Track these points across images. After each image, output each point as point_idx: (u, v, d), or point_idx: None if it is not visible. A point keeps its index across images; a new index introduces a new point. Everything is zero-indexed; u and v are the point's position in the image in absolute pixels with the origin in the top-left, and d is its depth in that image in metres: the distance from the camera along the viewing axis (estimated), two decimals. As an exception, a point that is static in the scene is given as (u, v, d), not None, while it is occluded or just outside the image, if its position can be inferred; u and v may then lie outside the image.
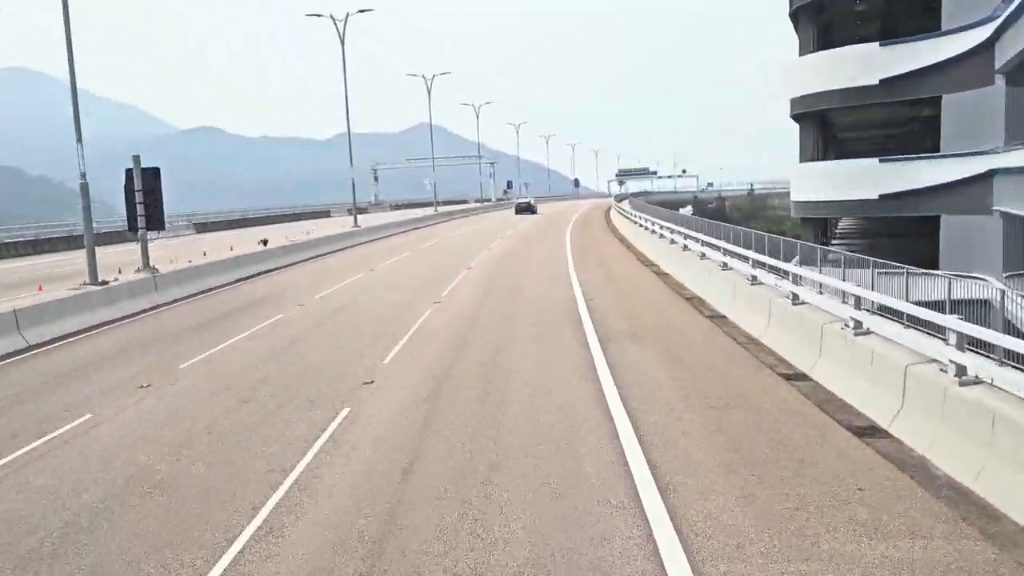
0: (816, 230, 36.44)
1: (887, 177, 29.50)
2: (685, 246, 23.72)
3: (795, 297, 13.36)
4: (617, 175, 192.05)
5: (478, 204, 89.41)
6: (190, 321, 18.10)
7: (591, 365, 12.46)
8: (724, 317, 16.47)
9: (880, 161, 31.21)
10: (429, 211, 66.88)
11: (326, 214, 70.63)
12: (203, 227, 54.01)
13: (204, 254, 27.91)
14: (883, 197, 28.98)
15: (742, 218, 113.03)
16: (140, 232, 20.96)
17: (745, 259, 16.80)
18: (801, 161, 35.71)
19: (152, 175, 20.90)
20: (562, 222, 53.88)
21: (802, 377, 11.62)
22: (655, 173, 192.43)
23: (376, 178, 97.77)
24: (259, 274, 26.83)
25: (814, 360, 11.72)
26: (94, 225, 19.96)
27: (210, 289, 23.22)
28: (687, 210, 73.05)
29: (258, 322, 17.47)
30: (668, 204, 67.68)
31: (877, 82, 29.13)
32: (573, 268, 25.98)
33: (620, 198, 71.53)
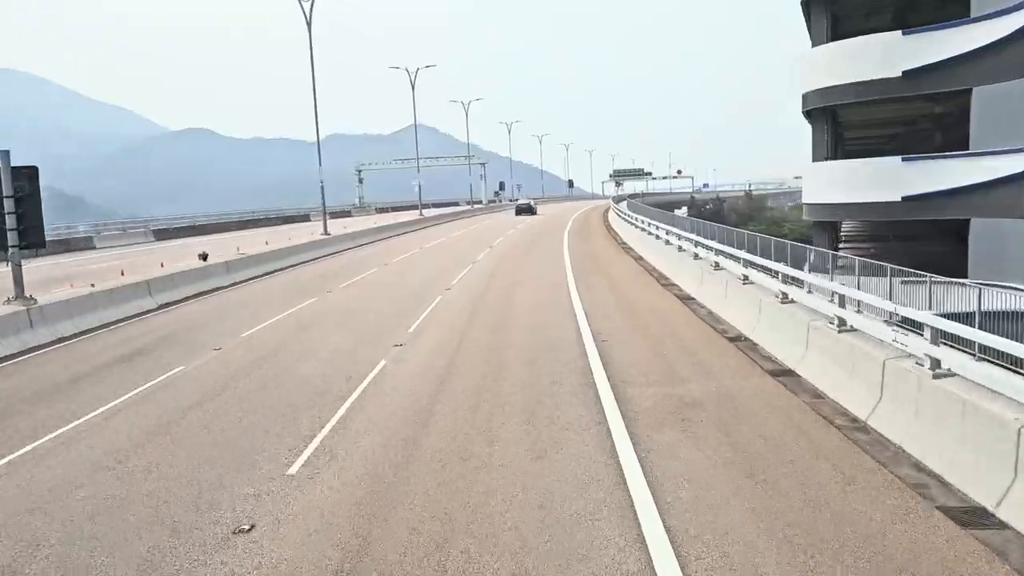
0: (829, 234, 32.36)
1: (912, 177, 26.32)
2: (716, 264, 18.79)
3: (937, 363, 8.44)
4: (611, 176, 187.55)
5: (468, 207, 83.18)
6: (49, 380, 12.97)
7: (619, 483, 7.51)
8: (795, 375, 11.56)
9: (903, 160, 27.45)
10: (415, 215, 61.86)
11: (304, 218, 64.92)
12: (164, 234, 48.67)
13: (122, 272, 22.68)
14: (907, 199, 25.66)
15: (739, 220, 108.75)
16: (11, 253, 15.84)
17: (826, 293, 11.87)
18: (814, 160, 31.46)
19: (27, 176, 15.80)
20: (558, 227, 49.14)
21: (984, 518, 6.71)
22: (650, 174, 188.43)
23: (360, 179, 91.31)
24: (188, 299, 21.66)
25: (1004, 483, 6.81)
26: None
27: (115, 322, 18.09)
28: (682, 211, 69.37)
29: (145, 380, 12.41)
30: (665, 205, 61.37)
31: (900, 74, 25.68)
32: (575, 290, 21.06)
33: (619, 200, 67.56)
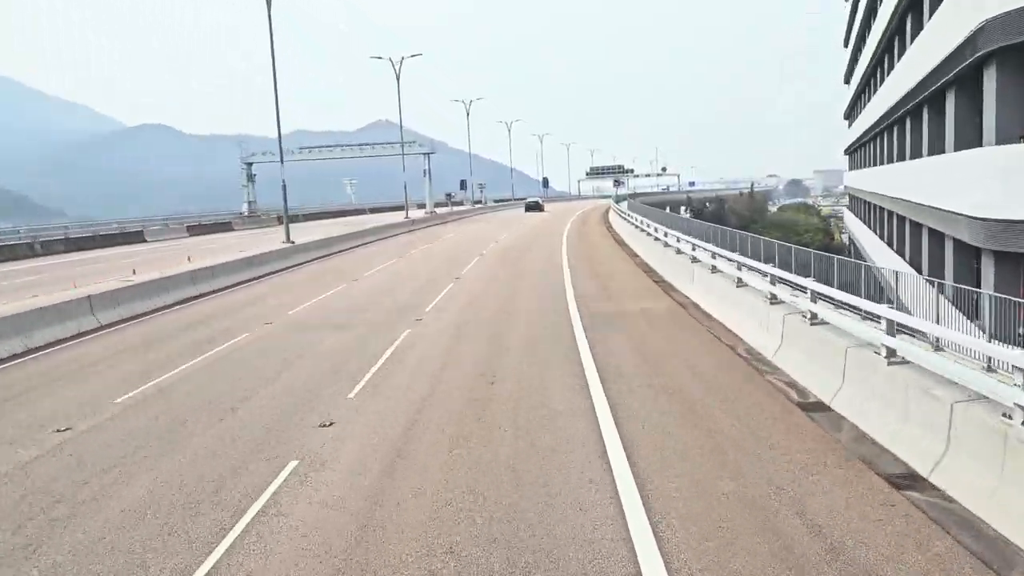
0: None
1: None
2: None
3: None
4: (588, 174, 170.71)
5: (404, 218, 54.02)
6: None
7: None
8: None
9: None
10: (327, 233, 37.61)
11: (137, 238, 41.99)
12: None
13: None
14: None
15: (741, 223, 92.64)
16: None
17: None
18: (999, 140, 15.10)
19: None
20: (550, 252, 27.05)
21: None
22: (631, 171, 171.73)
23: (251, 176, 62.88)
24: None
25: None
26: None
27: None
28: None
29: None
30: (660, 205, 51.66)
31: None
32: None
33: (620, 200, 55.75)
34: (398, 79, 49.46)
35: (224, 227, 49.69)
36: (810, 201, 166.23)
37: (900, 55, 26.01)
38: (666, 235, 22.41)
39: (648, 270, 22.70)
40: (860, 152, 44.09)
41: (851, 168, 53.29)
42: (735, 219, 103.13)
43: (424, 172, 62.27)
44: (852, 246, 45.31)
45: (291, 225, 38.63)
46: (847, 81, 53.74)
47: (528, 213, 69.06)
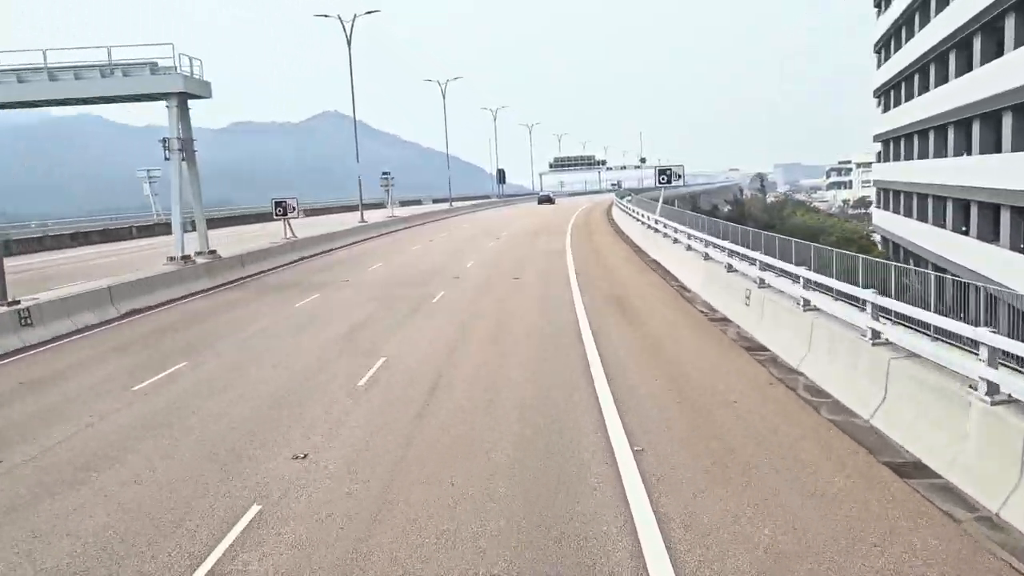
0: None
1: None
2: None
3: None
4: (552, 165, 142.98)
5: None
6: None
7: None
8: None
9: None
10: None
11: None
12: None
13: None
14: None
15: (758, 227, 67.87)
16: None
17: None
18: None
19: None
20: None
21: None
22: (603, 163, 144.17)
23: None
24: None
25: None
26: None
27: None
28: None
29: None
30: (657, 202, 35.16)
31: None
32: None
33: (623, 194, 52.06)
34: None
35: None
36: (778, 193, 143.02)
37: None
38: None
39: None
40: (912, 141, 35.15)
41: (887, 159, 43.15)
42: (751, 223, 77.85)
43: (164, 145, 21.69)
44: (899, 249, 36.90)
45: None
46: (879, 51, 43.96)
47: (540, 206, 74.45)
